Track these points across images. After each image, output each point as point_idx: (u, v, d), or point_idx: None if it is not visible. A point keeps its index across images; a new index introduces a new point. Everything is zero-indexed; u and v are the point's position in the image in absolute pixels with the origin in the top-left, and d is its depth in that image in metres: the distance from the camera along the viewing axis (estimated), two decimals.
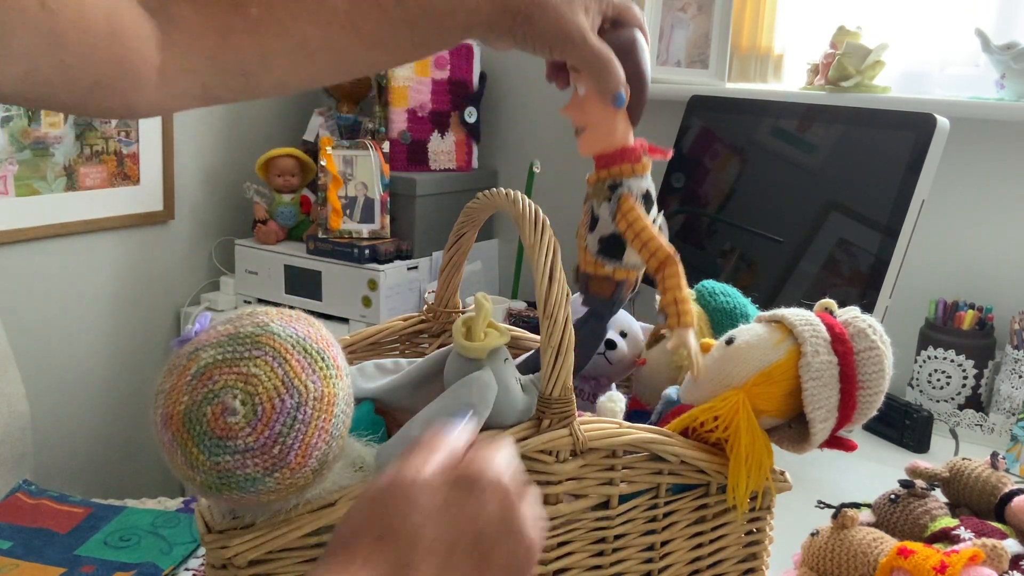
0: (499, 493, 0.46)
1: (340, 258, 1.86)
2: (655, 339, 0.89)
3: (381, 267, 1.82)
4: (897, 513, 0.89)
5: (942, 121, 1.18)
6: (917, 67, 1.63)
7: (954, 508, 0.93)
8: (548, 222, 0.64)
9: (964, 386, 1.41)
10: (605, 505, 0.67)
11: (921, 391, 1.44)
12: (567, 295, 0.62)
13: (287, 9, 0.62)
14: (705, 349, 0.74)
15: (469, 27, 0.66)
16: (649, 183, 0.73)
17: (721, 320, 0.87)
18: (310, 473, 0.56)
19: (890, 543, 0.79)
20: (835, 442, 0.71)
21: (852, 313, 0.72)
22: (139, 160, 1.94)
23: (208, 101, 0.65)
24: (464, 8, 0.65)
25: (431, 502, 0.45)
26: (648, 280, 0.75)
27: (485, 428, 0.62)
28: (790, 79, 1.78)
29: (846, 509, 0.83)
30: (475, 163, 2.08)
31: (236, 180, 2.13)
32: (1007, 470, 0.95)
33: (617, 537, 0.68)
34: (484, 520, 0.45)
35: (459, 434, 0.50)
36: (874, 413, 0.71)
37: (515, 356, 0.74)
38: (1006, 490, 0.91)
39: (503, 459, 0.48)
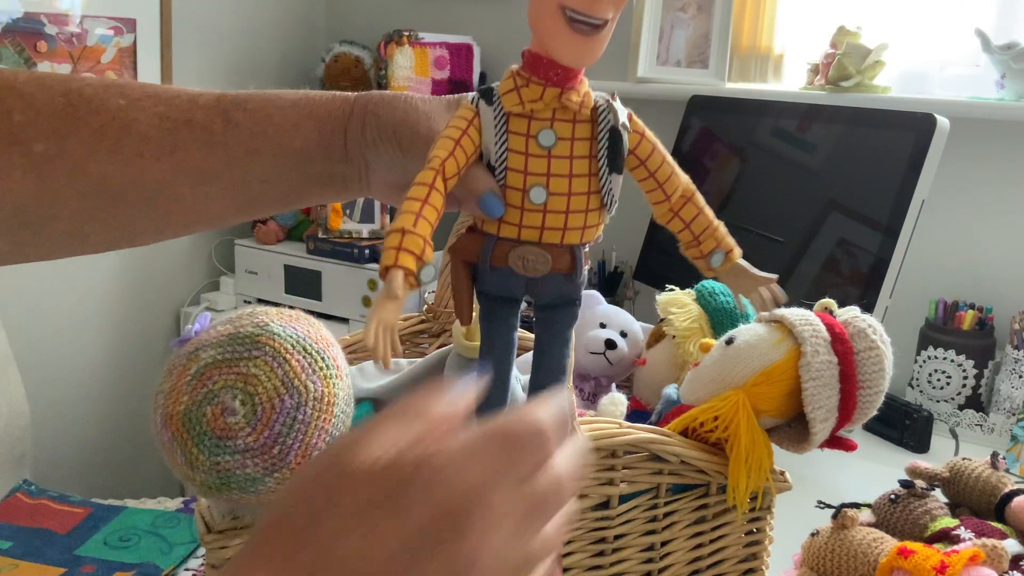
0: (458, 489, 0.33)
1: (340, 258, 1.86)
2: (655, 339, 0.89)
3: None
4: (897, 513, 0.89)
5: (942, 121, 1.18)
6: (917, 67, 1.63)
7: (954, 508, 0.93)
8: None
9: (964, 386, 1.41)
10: (605, 505, 0.67)
11: (921, 391, 1.44)
12: None
13: (82, 143, 0.50)
14: (705, 349, 0.74)
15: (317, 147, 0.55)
16: None
17: (721, 320, 0.87)
18: None
19: (890, 543, 0.79)
20: (835, 442, 0.71)
21: (852, 313, 0.72)
22: None
23: None
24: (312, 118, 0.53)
25: (355, 502, 0.33)
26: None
27: None
28: (790, 79, 1.78)
29: (846, 509, 0.83)
30: None
31: None
32: (1007, 470, 0.95)
33: (617, 537, 0.68)
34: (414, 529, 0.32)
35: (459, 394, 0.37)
36: (874, 413, 0.71)
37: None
38: (1006, 490, 0.91)
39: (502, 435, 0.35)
